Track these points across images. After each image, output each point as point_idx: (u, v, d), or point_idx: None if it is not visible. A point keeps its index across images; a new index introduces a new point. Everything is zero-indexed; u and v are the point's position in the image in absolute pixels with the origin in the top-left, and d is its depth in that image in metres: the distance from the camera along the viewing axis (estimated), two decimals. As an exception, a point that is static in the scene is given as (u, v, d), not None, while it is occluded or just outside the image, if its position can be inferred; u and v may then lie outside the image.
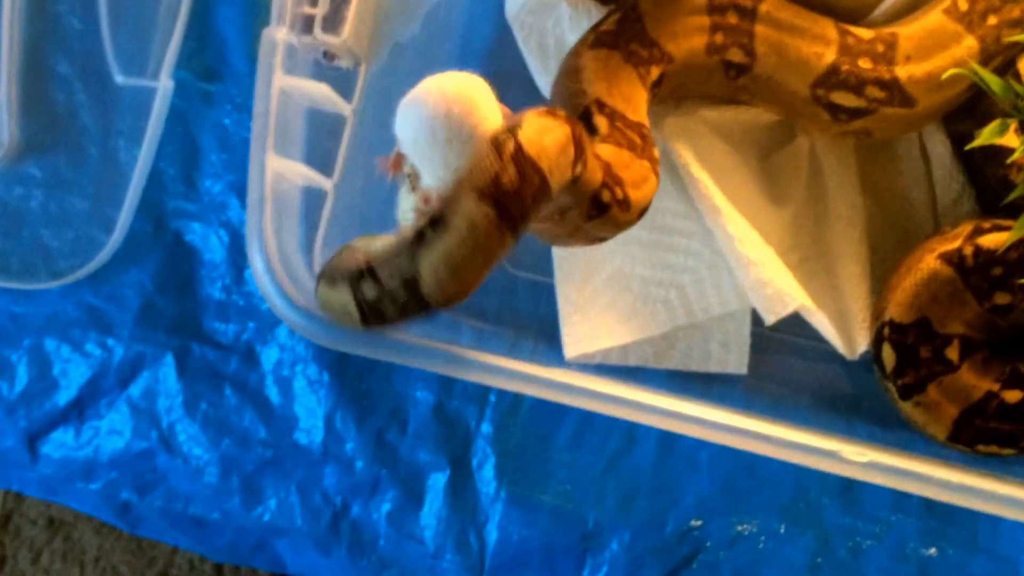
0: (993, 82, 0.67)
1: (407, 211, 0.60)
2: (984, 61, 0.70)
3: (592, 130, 0.66)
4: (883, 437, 0.76)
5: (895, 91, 0.69)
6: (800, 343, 0.80)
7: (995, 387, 0.70)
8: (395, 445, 0.84)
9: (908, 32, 0.70)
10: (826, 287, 0.77)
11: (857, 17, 0.73)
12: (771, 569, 0.80)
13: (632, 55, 0.69)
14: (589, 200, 0.60)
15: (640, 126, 0.67)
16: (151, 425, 0.86)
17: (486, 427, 0.83)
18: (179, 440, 0.85)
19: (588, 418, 0.82)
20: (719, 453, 0.80)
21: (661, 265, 0.79)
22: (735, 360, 0.79)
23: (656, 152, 0.68)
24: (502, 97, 0.82)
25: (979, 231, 0.70)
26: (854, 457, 0.60)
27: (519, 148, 0.54)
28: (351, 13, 0.69)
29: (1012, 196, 0.69)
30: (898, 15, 0.74)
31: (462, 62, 0.83)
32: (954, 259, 0.69)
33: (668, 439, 0.81)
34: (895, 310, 0.71)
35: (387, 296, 0.54)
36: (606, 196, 0.61)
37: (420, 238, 0.54)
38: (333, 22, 0.69)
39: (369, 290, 0.55)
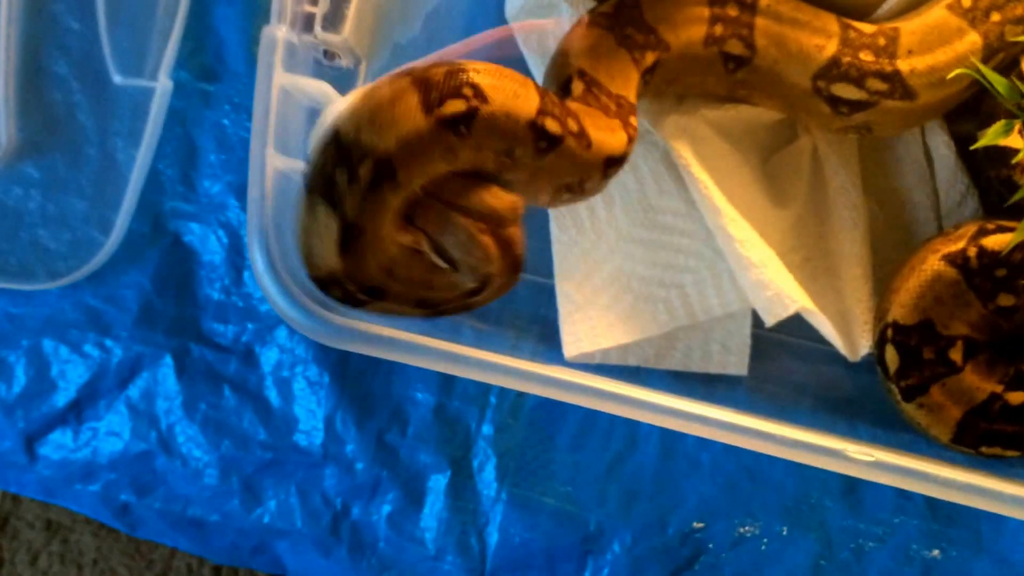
0: (997, 82, 0.67)
1: None
2: (987, 58, 0.69)
3: (566, 92, 0.66)
4: (885, 439, 0.75)
5: (896, 83, 0.69)
6: (802, 344, 0.79)
7: (999, 389, 0.69)
8: (395, 446, 0.84)
9: (910, 27, 0.70)
10: (828, 288, 0.77)
11: (861, 15, 0.73)
12: (773, 571, 0.80)
13: (627, 39, 0.68)
14: (528, 128, 0.58)
15: (620, 97, 0.67)
16: (150, 426, 0.85)
17: (487, 428, 0.83)
18: (178, 441, 0.85)
19: (589, 420, 0.82)
20: (721, 455, 0.80)
21: (662, 265, 0.78)
22: (736, 361, 0.79)
23: (634, 122, 0.66)
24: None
25: (983, 232, 0.69)
26: (859, 456, 0.60)
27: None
28: (351, 11, 0.69)
29: (1016, 197, 0.69)
30: (902, 14, 0.73)
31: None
32: (958, 260, 0.69)
33: (670, 441, 0.81)
34: (898, 311, 0.70)
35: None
36: (551, 125, 0.59)
37: None
38: (333, 20, 0.69)
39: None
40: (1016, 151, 0.69)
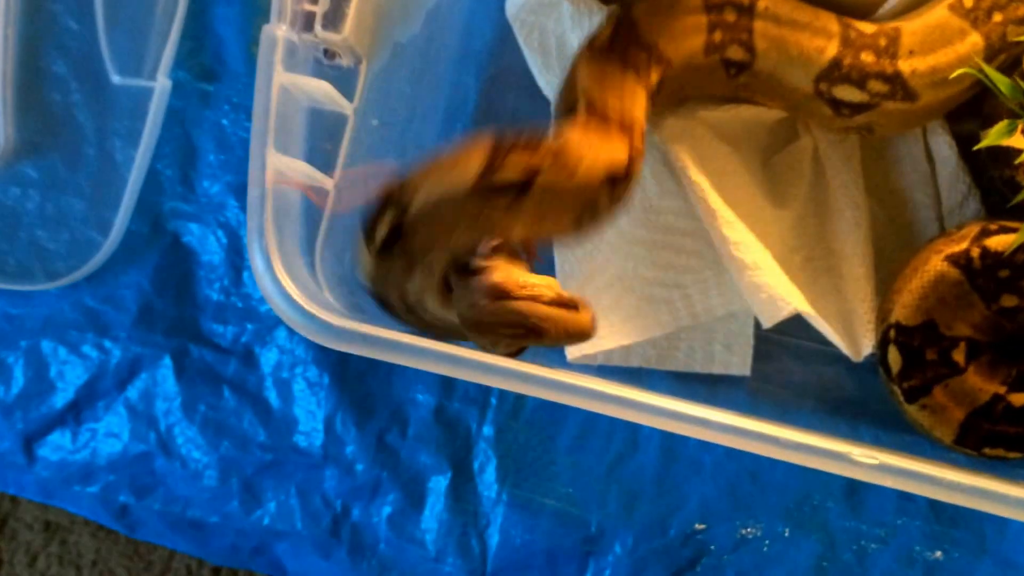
0: (1000, 81, 0.66)
1: None
2: (988, 58, 0.69)
3: (571, 112, 0.67)
4: (888, 440, 0.75)
5: (897, 85, 0.69)
6: (804, 345, 0.79)
7: (1002, 390, 0.69)
8: (396, 448, 0.83)
9: (912, 27, 0.70)
10: (830, 288, 0.76)
11: (862, 15, 0.73)
12: (776, 573, 0.80)
13: (630, 61, 0.69)
14: (474, 192, 0.59)
15: (625, 119, 0.66)
16: (149, 428, 0.85)
17: (487, 429, 0.83)
18: (177, 443, 0.85)
19: (591, 421, 0.81)
20: (723, 457, 0.80)
21: (664, 266, 0.78)
22: (738, 362, 0.79)
23: (639, 142, 0.66)
24: (503, 96, 0.82)
25: (986, 233, 0.69)
26: (864, 459, 0.59)
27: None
28: (352, 10, 0.68)
29: (1019, 197, 0.69)
30: (903, 14, 0.73)
31: (463, 61, 0.83)
32: (961, 261, 0.69)
33: (671, 442, 0.81)
34: (901, 312, 0.70)
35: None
36: (506, 174, 0.59)
37: None
38: (334, 19, 0.68)
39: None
40: (1019, 151, 0.69)
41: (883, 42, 0.69)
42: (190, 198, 0.87)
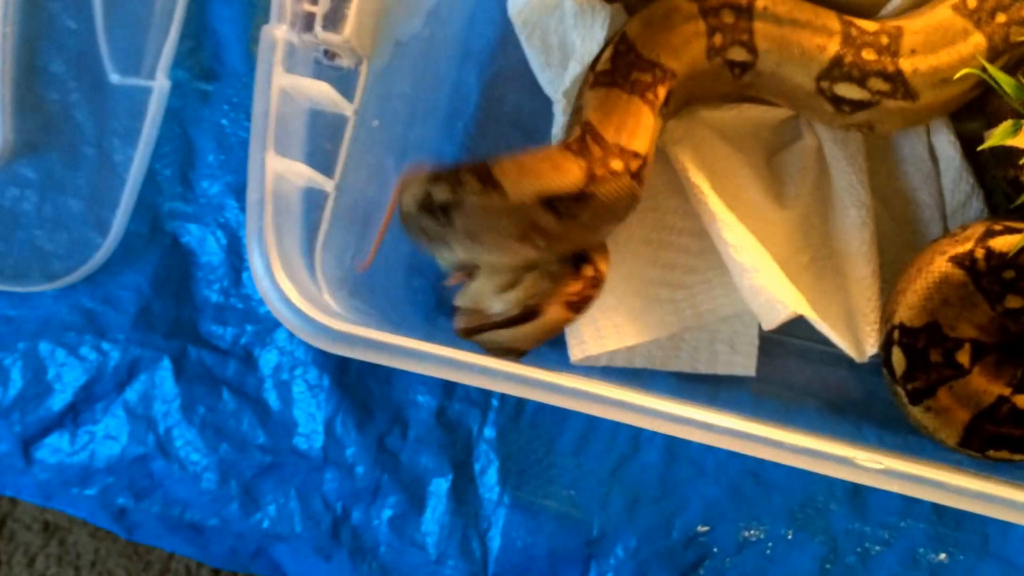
0: (1004, 81, 0.66)
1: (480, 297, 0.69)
2: (991, 59, 0.69)
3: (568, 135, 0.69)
4: (892, 441, 0.75)
5: (898, 83, 0.69)
6: (808, 346, 0.79)
7: (1006, 391, 0.69)
8: (396, 450, 0.83)
9: (914, 26, 0.70)
10: (835, 288, 0.76)
11: (865, 14, 0.73)
12: (778, 575, 0.80)
13: (635, 85, 0.69)
14: (419, 210, 0.66)
15: (618, 146, 0.67)
16: (148, 430, 0.85)
17: (489, 431, 0.82)
18: (176, 445, 0.84)
19: (593, 422, 0.81)
20: (726, 458, 0.80)
21: (668, 266, 0.78)
22: (743, 362, 0.78)
23: (616, 164, 0.66)
24: (505, 96, 0.82)
25: (991, 233, 0.69)
26: (869, 464, 0.59)
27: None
28: (352, 11, 0.68)
29: (1024, 198, 0.68)
30: (905, 12, 0.73)
31: (464, 61, 0.83)
32: (965, 262, 0.68)
33: (674, 444, 0.81)
34: (905, 313, 0.70)
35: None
36: (439, 194, 0.65)
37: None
38: (334, 20, 0.68)
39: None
40: (1023, 151, 0.69)
41: (885, 40, 0.69)
42: (189, 198, 0.86)
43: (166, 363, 0.85)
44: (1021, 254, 0.67)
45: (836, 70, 0.69)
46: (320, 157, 0.71)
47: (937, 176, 0.77)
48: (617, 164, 0.66)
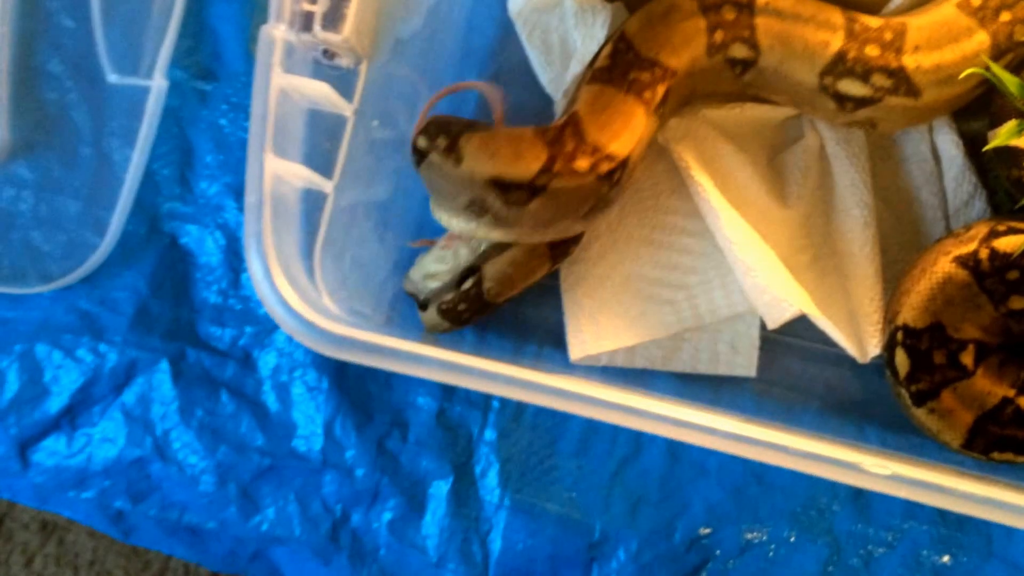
0: (1009, 81, 0.66)
1: (430, 274, 0.75)
2: (995, 57, 0.69)
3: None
4: (894, 443, 0.75)
5: (901, 80, 0.69)
6: (810, 346, 0.79)
7: (1011, 393, 0.69)
8: (396, 452, 0.83)
9: (918, 23, 0.69)
10: (837, 288, 0.76)
11: (869, 11, 0.72)
12: (781, 578, 0.80)
13: (632, 84, 0.69)
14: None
15: (594, 145, 0.67)
16: (145, 433, 0.84)
17: (489, 433, 0.82)
18: (174, 448, 0.84)
19: (594, 424, 0.81)
20: (728, 459, 0.79)
21: (668, 266, 0.78)
22: (744, 362, 0.78)
23: (581, 164, 0.67)
24: (504, 94, 0.81)
25: (994, 234, 0.68)
26: (876, 470, 0.59)
27: None
28: (352, 10, 0.68)
29: (1029, 198, 0.68)
30: (909, 10, 0.72)
31: (464, 60, 0.83)
32: (969, 262, 0.68)
33: (676, 445, 0.80)
34: (909, 314, 0.69)
35: (463, 300, 0.73)
36: (419, 142, 0.68)
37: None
38: (333, 19, 0.68)
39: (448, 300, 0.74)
40: (1028, 151, 0.68)
41: (888, 36, 0.69)
42: (187, 199, 0.86)
43: (164, 365, 0.85)
44: (1025, 255, 0.67)
45: (839, 66, 0.69)
46: (319, 158, 0.71)
47: (939, 176, 0.77)
48: (583, 163, 0.66)
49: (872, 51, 0.68)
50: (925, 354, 0.69)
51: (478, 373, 0.62)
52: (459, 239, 0.76)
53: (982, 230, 0.69)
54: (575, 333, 0.77)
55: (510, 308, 0.79)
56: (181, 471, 0.84)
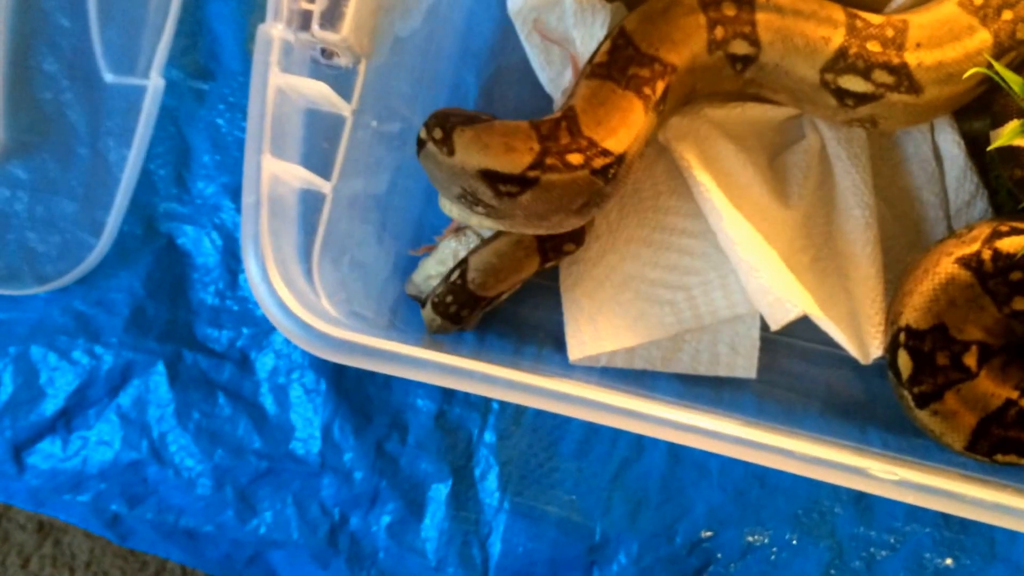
0: (1012, 80, 0.65)
1: (431, 275, 0.76)
2: (997, 56, 0.68)
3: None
4: (896, 444, 0.75)
5: (903, 76, 0.68)
6: (811, 347, 0.78)
7: (1014, 395, 0.68)
8: (395, 455, 0.82)
9: (920, 20, 0.69)
10: (839, 289, 0.76)
11: (871, 8, 0.72)
12: (783, 581, 0.79)
13: (631, 80, 0.68)
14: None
15: (590, 140, 0.67)
16: (141, 435, 0.84)
17: (489, 436, 0.82)
18: (170, 451, 0.84)
19: (594, 426, 0.80)
20: (730, 461, 0.79)
21: (668, 267, 0.78)
22: (744, 364, 0.78)
23: (574, 159, 0.67)
24: (504, 94, 0.81)
25: (997, 234, 0.68)
26: (883, 475, 0.58)
27: None
28: (350, 9, 0.67)
29: (1031, 198, 0.68)
30: (911, 8, 0.72)
31: (463, 59, 0.82)
32: (972, 263, 0.67)
33: (677, 447, 0.80)
34: (911, 315, 0.69)
35: (450, 292, 0.74)
36: (421, 133, 0.70)
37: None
38: (332, 18, 0.67)
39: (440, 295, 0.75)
40: (1031, 151, 0.68)
41: (890, 33, 0.69)
42: (184, 199, 0.86)
43: (160, 367, 0.84)
44: (1029, 256, 0.66)
45: (841, 62, 0.68)
46: (317, 158, 0.71)
47: (941, 175, 0.77)
48: (576, 158, 0.66)
49: (874, 47, 0.68)
50: (928, 356, 0.68)
51: (478, 377, 0.62)
52: (455, 236, 0.76)
53: (984, 231, 0.69)
54: (574, 334, 0.77)
55: (509, 309, 0.79)
56: (178, 474, 0.83)
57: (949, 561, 0.78)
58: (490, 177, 0.66)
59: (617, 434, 0.81)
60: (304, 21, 0.67)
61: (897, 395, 0.71)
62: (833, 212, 0.77)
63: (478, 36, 0.82)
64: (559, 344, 0.77)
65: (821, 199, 0.78)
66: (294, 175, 0.68)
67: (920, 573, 0.78)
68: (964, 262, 0.68)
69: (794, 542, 0.79)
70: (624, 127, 0.68)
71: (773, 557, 0.79)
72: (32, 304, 0.85)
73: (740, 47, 0.70)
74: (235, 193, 0.85)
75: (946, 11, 0.69)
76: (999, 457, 0.69)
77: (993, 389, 0.68)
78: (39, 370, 0.85)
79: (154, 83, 0.84)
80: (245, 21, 0.85)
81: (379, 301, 0.77)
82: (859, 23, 0.69)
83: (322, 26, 0.67)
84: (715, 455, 0.78)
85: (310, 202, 0.70)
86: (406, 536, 0.82)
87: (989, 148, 0.68)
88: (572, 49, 0.76)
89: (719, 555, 0.80)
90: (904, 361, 0.69)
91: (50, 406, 0.85)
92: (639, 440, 0.81)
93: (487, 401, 0.82)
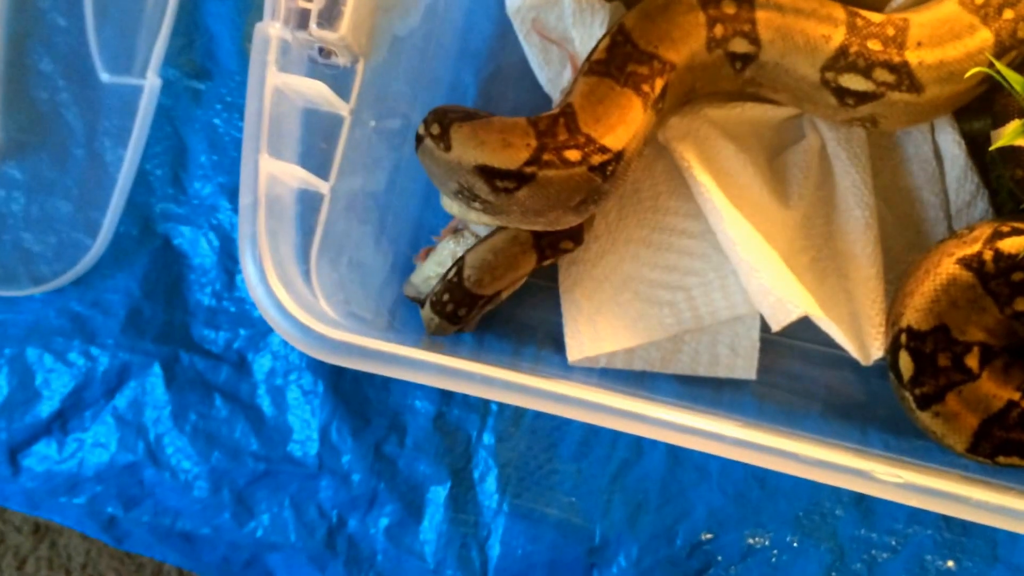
0: (1014, 79, 0.65)
1: (429, 277, 0.76)
2: (998, 55, 0.68)
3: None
4: (897, 446, 0.74)
5: (904, 75, 0.68)
6: (811, 348, 0.78)
7: (1016, 396, 0.68)
8: (393, 457, 0.82)
9: (921, 19, 0.69)
10: (838, 289, 0.75)
11: (872, 7, 0.72)
12: (784, 584, 0.79)
13: (630, 77, 0.68)
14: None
15: (587, 136, 0.66)
16: (138, 437, 0.84)
17: (488, 437, 0.81)
18: (167, 453, 0.83)
19: (594, 427, 0.80)
20: (730, 462, 0.79)
21: (667, 267, 0.77)
22: (744, 365, 0.77)
23: (571, 155, 0.67)
24: (503, 94, 0.81)
25: (998, 235, 0.68)
26: (888, 478, 0.58)
27: None
28: (348, 7, 0.67)
29: (1033, 198, 0.67)
30: (912, 7, 0.72)
31: (461, 58, 0.82)
32: (974, 264, 0.67)
33: (677, 448, 0.80)
34: (912, 316, 0.69)
35: (446, 290, 0.74)
36: (419, 128, 0.70)
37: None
38: (329, 17, 0.67)
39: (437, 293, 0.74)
40: (1033, 151, 0.68)
41: (891, 31, 0.68)
42: (181, 199, 0.85)
43: (157, 368, 0.84)
44: (1031, 256, 0.66)
45: (841, 60, 0.68)
46: (315, 158, 0.71)
47: (942, 175, 0.76)
48: (573, 154, 0.66)
49: (875, 46, 0.68)
50: (929, 357, 0.68)
51: (477, 378, 0.62)
52: (453, 237, 0.75)
53: (986, 231, 0.68)
54: (573, 335, 0.77)
55: (508, 310, 0.79)
56: (174, 476, 0.83)
57: (951, 563, 0.78)
58: (487, 173, 0.66)
59: (617, 436, 0.80)
60: (302, 20, 0.67)
61: (898, 396, 0.71)
62: (833, 212, 0.77)
63: (477, 35, 0.81)
64: (558, 345, 0.77)
65: (821, 199, 0.78)
66: (292, 175, 0.68)
67: (922, 575, 0.78)
68: (965, 263, 0.67)
69: (795, 544, 0.79)
70: (623, 124, 0.67)
71: (774, 559, 0.79)
72: (28, 305, 0.85)
73: (740, 45, 0.70)
74: (232, 193, 0.84)
75: (947, 10, 0.69)
76: (1001, 459, 0.68)
77: (995, 390, 0.68)
78: (35, 372, 0.85)
79: (150, 83, 0.84)
80: (242, 20, 0.85)
81: (377, 302, 0.77)
82: (860, 21, 0.69)
83: (320, 25, 0.67)
84: (715, 457, 0.78)
85: (308, 202, 0.70)
86: (404, 538, 0.81)
87: (991, 148, 0.67)
88: (571, 48, 0.76)
89: (719, 557, 0.79)
90: (905, 362, 0.69)
91: (46, 408, 0.85)
92: (639, 442, 0.80)
93: (486, 403, 0.82)
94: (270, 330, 0.83)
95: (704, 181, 0.73)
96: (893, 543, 0.78)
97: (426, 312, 0.75)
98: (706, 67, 0.71)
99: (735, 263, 0.72)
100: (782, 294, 0.70)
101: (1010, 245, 0.67)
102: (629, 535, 0.80)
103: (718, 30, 0.69)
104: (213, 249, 0.85)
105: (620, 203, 0.77)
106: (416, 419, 0.82)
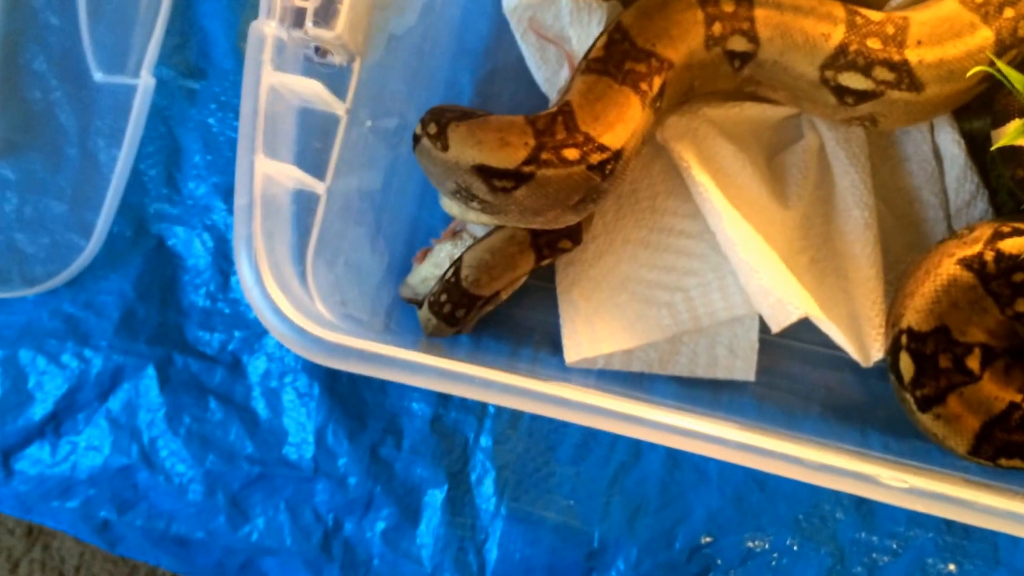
0: (1015, 78, 0.65)
1: (426, 278, 0.76)
2: (999, 54, 0.68)
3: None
4: (897, 448, 0.74)
5: (903, 73, 0.68)
6: (810, 349, 0.78)
7: (1018, 398, 0.68)
8: (390, 460, 0.81)
9: (921, 17, 0.69)
10: (838, 290, 0.75)
11: (871, 5, 0.72)
12: (784, 588, 0.79)
13: (628, 75, 0.68)
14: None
15: (586, 135, 0.66)
16: (131, 440, 0.83)
17: (485, 440, 0.81)
18: (161, 456, 0.83)
19: (592, 430, 0.80)
20: (729, 465, 0.78)
21: (665, 268, 0.77)
22: (742, 366, 0.77)
23: (570, 154, 0.66)
24: (499, 93, 0.81)
25: (999, 235, 0.67)
26: (893, 483, 0.58)
27: None
28: (344, 6, 0.67)
29: (1034, 198, 0.67)
30: (912, 5, 0.72)
31: (457, 58, 0.82)
32: (974, 264, 0.67)
33: (676, 451, 0.79)
34: (913, 317, 0.68)
35: (444, 290, 0.73)
36: (417, 128, 0.70)
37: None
38: (325, 15, 0.67)
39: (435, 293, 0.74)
40: (1034, 151, 0.67)
41: (891, 30, 0.68)
42: (175, 200, 0.85)
43: (150, 371, 0.83)
44: (1032, 256, 0.66)
45: (841, 58, 0.68)
46: (311, 158, 0.70)
47: (941, 175, 0.76)
48: (572, 153, 0.66)
49: (874, 44, 0.68)
50: (930, 358, 0.68)
51: (474, 381, 0.61)
52: (451, 239, 0.75)
53: (986, 231, 0.68)
54: (571, 336, 0.76)
55: (505, 311, 0.78)
56: (168, 480, 0.83)
57: (952, 567, 0.78)
58: (484, 172, 0.66)
59: (615, 438, 0.80)
60: (298, 18, 0.67)
61: (899, 398, 0.71)
62: (832, 212, 0.77)
63: (473, 34, 0.81)
64: (556, 346, 0.77)
65: (820, 199, 0.77)
66: (287, 175, 0.67)
67: (922, 578, 0.78)
68: (966, 263, 0.67)
69: (795, 548, 0.79)
70: (621, 123, 0.67)
71: (774, 563, 0.79)
72: (20, 307, 0.84)
73: (738, 43, 0.69)
74: (227, 194, 0.84)
75: (947, 8, 0.69)
76: (1003, 461, 0.68)
77: (996, 392, 0.67)
78: (27, 374, 0.84)
79: (144, 82, 0.83)
80: (237, 19, 0.85)
81: (374, 304, 0.77)
82: (859, 20, 0.68)
83: (316, 23, 0.67)
84: (714, 459, 0.78)
85: (304, 203, 0.70)
86: (401, 542, 0.81)
87: (992, 148, 0.67)
88: (568, 48, 0.76)
89: (719, 561, 0.79)
90: (906, 364, 0.69)
91: (38, 411, 0.84)
92: (637, 444, 0.80)
93: (483, 405, 0.81)
94: (265, 332, 0.83)
95: (703, 181, 0.73)
96: (894, 546, 0.78)
97: (424, 313, 0.74)
98: (704, 65, 0.70)
99: (734, 263, 0.72)
100: (782, 295, 0.70)
101: (1011, 246, 0.66)
102: (628, 538, 0.79)
103: (716, 28, 0.69)
104: (207, 250, 0.84)
105: (618, 203, 0.77)
106: (413, 422, 0.81)
